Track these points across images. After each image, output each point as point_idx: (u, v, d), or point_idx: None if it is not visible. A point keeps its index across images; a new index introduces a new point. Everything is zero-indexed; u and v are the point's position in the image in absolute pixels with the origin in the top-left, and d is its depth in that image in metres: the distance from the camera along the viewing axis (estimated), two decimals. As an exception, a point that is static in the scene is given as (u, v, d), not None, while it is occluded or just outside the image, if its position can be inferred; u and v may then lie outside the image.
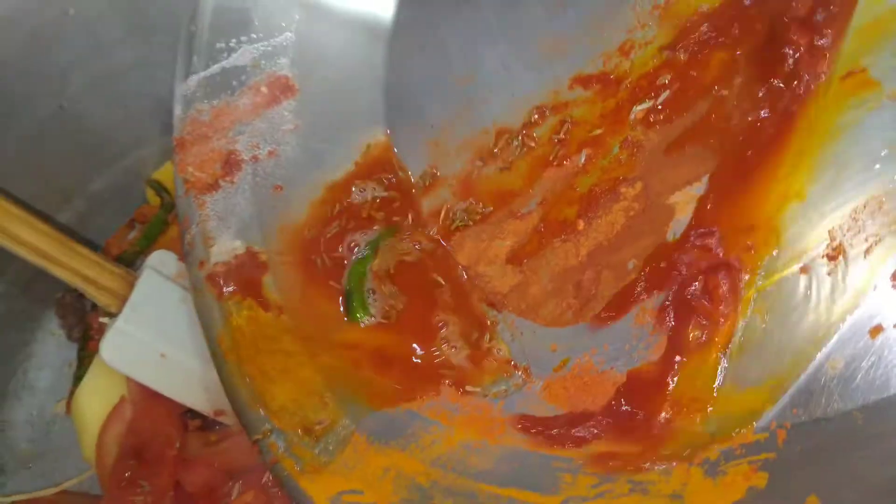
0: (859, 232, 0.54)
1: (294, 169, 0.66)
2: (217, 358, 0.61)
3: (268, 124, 0.66)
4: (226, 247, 0.63)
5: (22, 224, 0.68)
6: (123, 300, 0.72)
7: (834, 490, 0.49)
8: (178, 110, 0.64)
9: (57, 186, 0.85)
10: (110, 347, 0.71)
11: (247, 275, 0.63)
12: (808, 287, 0.55)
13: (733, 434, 0.55)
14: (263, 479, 0.69)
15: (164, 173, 0.90)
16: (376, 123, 0.68)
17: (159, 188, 0.89)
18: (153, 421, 0.74)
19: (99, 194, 0.89)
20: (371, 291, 0.64)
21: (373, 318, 0.63)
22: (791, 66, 0.56)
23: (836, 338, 0.54)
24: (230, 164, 0.64)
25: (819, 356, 0.54)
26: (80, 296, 0.90)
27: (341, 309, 0.64)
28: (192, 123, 0.63)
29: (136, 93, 0.83)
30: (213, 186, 0.64)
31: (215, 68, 0.64)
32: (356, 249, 0.65)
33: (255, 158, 0.65)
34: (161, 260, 0.75)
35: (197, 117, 0.64)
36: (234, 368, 0.60)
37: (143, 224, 0.90)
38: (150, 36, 0.78)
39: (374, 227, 0.66)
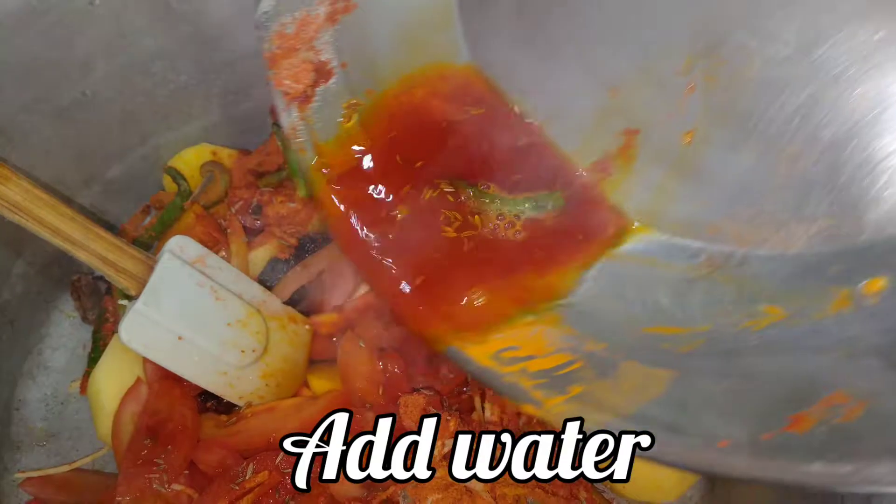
0: None
1: (380, 70, 0.66)
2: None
3: (350, 30, 0.65)
4: None
5: (46, 207, 0.69)
6: (143, 283, 0.74)
7: None
8: (262, 27, 0.64)
9: (77, 172, 0.87)
10: (129, 329, 0.73)
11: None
12: None
13: None
14: (277, 460, 0.71)
15: (181, 160, 0.92)
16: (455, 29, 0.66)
17: (176, 175, 0.90)
18: (169, 401, 0.75)
19: (116, 180, 0.91)
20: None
21: None
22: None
23: None
24: (321, 73, 0.64)
25: None
26: (96, 278, 0.92)
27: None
28: (279, 38, 0.64)
29: (158, 82, 0.84)
30: (311, 96, 0.64)
31: None
32: None
33: (343, 65, 0.65)
34: (180, 244, 0.77)
35: (282, 31, 0.64)
36: None
37: (158, 210, 0.92)
38: (172, 26, 0.79)
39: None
